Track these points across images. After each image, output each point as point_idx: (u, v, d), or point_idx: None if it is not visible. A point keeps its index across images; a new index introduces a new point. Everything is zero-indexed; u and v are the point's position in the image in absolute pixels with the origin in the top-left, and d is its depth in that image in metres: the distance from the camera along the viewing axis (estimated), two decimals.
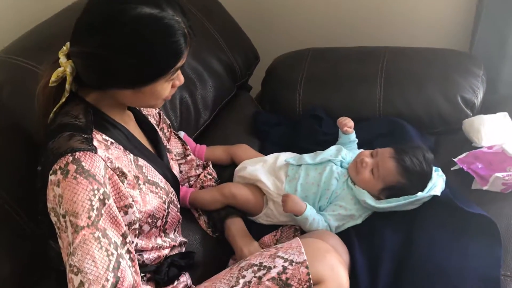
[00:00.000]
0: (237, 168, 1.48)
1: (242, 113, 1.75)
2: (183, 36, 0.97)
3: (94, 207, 0.92)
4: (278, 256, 1.06)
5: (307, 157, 1.41)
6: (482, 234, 1.19)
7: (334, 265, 1.06)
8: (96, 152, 0.95)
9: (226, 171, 1.54)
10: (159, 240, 1.13)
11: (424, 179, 1.29)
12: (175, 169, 1.27)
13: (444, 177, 1.33)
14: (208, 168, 1.47)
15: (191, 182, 1.44)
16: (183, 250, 1.25)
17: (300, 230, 1.36)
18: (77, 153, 0.93)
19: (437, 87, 1.60)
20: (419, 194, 1.27)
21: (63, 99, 1.01)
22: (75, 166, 0.92)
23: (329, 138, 1.56)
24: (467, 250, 1.17)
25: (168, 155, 1.25)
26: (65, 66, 0.98)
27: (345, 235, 1.29)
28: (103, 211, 0.93)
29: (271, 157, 1.47)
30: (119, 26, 0.93)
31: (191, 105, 1.59)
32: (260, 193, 1.41)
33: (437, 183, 1.29)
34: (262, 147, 1.66)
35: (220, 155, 1.54)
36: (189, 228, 1.36)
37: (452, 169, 1.40)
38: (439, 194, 1.27)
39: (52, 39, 1.24)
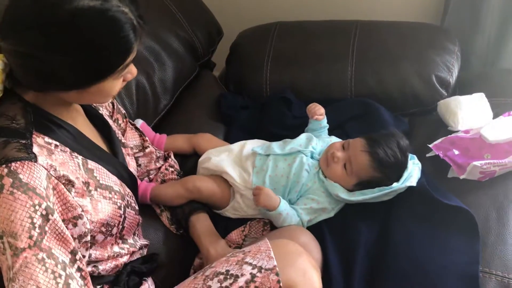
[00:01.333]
0: (200, 159, 1.38)
1: (205, 96, 1.63)
2: (132, 29, 0.84)
3: (36, 225, 0.81)
4: (246, 263, 0.98)
5: (275, 146, 1.31)
6: (460, 228, 1.14)
7: (306, 270, 0.99)
8: (36, 161, 0.84)
9: (188, 161, 1.44)
10: (116, 248, 1.03)
11: (399, 170, 1.22)
12: (132, 166, 1.16)
13: (420, 165, 1.26)
14: (170, 159, 1.36)
15: (151, 176, 1.33)
16: (145, 253, 1.15)
17: (270, 224, 1.28)
18: (13, 163, 0.81)
19: (411, 66, 1.52)
20: (394, 185, 1.20)
21: None
22: (11, 180, 0.80)
23: (299, 122, 1.48)
24: (445, 245, 1.12)
25: (123, 150, 1.13)
26: None
27: (317, 230, 1.22)
28: (46, 228, 0.82)
29: (236, 146, 1.37)
30: (55, 23, 0.79)
31: (149, 90, 1.46)
32: (226, 185, 1.32)
33: (412, 173, 1.23)
34: (227, 132, 1.56)
35: (182, 145, 1.43)
36: (150, 225, 1.27)
37: (427, 155, 1.33)
38: (415, 184, 1.21)
39: None
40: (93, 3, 0.80)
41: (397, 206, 1.21)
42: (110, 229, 0.98)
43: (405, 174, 1.22)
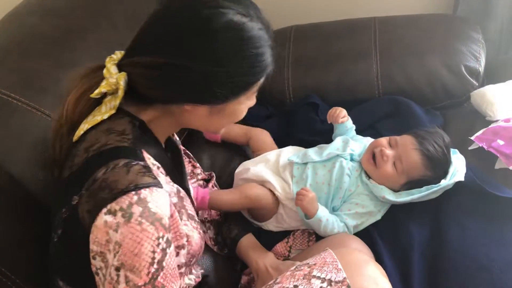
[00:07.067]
0: (237, 170, 1.34)
1: None
2: (270, 49, 0.86)
3: (155, 260, 0.76)
4: (314, 276, 0.93)
5: (312, 153, 1.27)
6: None
7: (377, 278, 0.94)
8: (161, 186, 0.79)
9: (225, 172, 1.40)
10: (186, 279, 0.98)
11: (446, 166, 1.18)
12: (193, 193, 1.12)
13: (463, 159, 1.22)
14: (213, 180, 1.34)
15: None
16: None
17: (315, 234, 1.23)
18: (142, 190, 0.76)
19: (438, 58, 1.48)
20: (443, 182, 1.16)
21: (105, 116, 0.85)
22: (140, 208, 0.74)
23: (328, 126, 1.43)
24: (505, 240, 1.07)
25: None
26: (119, 79, 0.83)
27: (366, 235, 1.18)
28: (164, 264, 0.77)
29: (272, 155, 1.33)
30: (210, 35, 0.80)
31: None
32: (274, 195, 1.27)
33: (458, 167, 1.19)
34: None
35: (238, 135, 1.42)
36: None
37: (470, 148, 1.29)
38: (463, 179, 1.17)
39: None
40: (242, 19, 0.82)
41: (446, 202, 1.17)
42: (191, 260, 0.94)
43: (451, 170, 1.18)
